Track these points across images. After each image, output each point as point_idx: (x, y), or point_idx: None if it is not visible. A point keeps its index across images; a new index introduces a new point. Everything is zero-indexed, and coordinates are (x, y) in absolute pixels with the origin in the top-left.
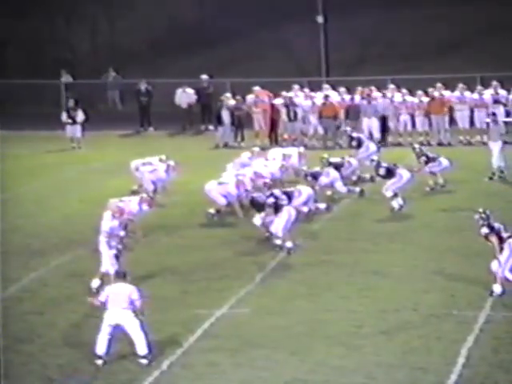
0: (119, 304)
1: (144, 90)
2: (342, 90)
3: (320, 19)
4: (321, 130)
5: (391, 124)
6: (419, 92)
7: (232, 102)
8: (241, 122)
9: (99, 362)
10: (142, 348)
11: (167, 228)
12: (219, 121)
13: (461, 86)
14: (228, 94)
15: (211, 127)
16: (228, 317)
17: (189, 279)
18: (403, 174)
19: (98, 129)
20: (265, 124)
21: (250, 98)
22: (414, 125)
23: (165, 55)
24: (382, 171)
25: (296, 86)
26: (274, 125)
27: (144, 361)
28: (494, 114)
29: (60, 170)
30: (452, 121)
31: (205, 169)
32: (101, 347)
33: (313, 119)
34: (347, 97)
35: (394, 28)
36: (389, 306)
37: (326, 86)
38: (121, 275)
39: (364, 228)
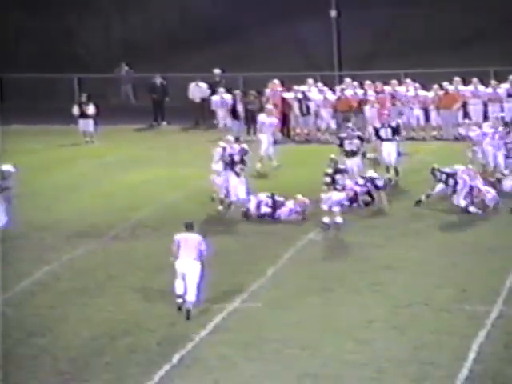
0: (190, 254)
1: (159, 84)
2: (355, 84)
3: (333, 13)
4: (334, 125)
5: (404, 118)
6: (435, 86)
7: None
8: (253, 116)
9: (179, 300)
10: (191, 295)
11: (178, 222)
12: (234, 115)
13: (475, 80)
14: (237, 91)
15: (224, 121)
16: (240, 311)
17: None
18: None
19: (112, 123)
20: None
21: (268, 91)
22: (427, 119)
23: (178, 49)
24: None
25: (310, 81)
26: (285, 119)
27: (180, 300)
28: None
29: (73, 165)
30: (466, 115)
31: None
32: (179, 289)
33: (325, 114)
34: (360, 91)
35: (407, 22)
36: (400, 300)
37: (347, 79)
38: (189, 226)
39: (376, 223)
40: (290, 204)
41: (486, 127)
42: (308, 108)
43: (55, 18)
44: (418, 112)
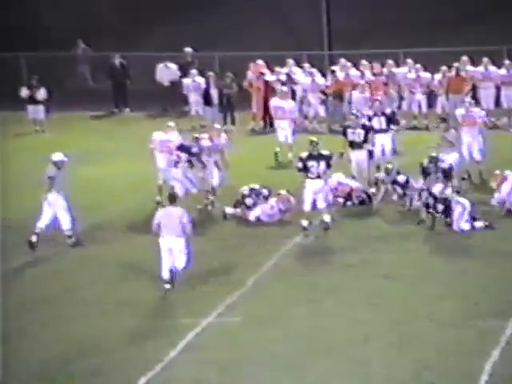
0: (173, 231)
1: (118, 65)
2: (349, 64)
3: None
4: (323, 112)
5: (404, 104)
6: (443, 67)
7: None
8: (230, 102)
9: (167, 286)
10: (180, 262)
11: (146, 223)
12: (207, 101)
13: (485, 59)
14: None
15: (197, 107)
16: (215, 326)
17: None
18: None
19: (66, 109)
20: (258, 105)
21: (250, 73)
22: (430, 105)
23: (143, 24)
24: None
25: (291, 61)
26: (267, 106)
27: (168, 286)
28: None
29: (21, 158)
30: (475, 100)
31: None
32: (166, 272)
33: (313, 99)
34: (355, 72)
35: None
36: (400, 314)
37: (342, 60)
38: (172, 198)
39: (373, 225)
40: (271, 201)
41: None
42: (294, 93)
43: None
44: (420, 97)
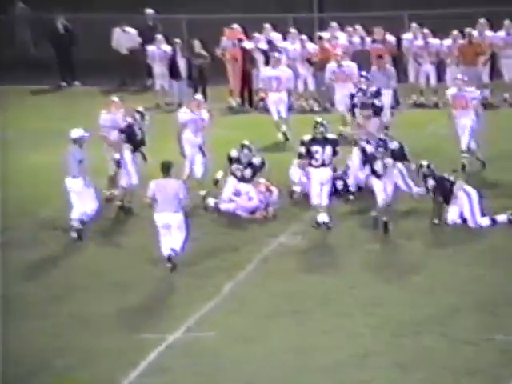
0: (169, 206)
1: (62, 29)
2: (350, 29)
3: None
4: (312, 85)
5: (410, 76)
6: (454, 32)
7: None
8: (202, 74)
9: (169, 265)
10: (176, 244)
11: (102, 220)
12: (173, 73)
13: (507, 22)
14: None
15: (161, 82)
16: (184, 343)
17: (131, 291)
18: None
19: (2, 82)
20: (234, 77)
21: (224, 39)
22: (440, 77)
23: None
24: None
25: (267, 25)
26: (246, 78)
27: (169, 265)
28: None
29: None
30: (494, 71)
31: (156, 139)
32: (166, 249)
33: (301, 70)
34: (356, 39)
35: None
36: (405, 327)
37: (333, 24)
38: (166, 168)
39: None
40: (251, 192)
41: None
42: None
43: None
44: (429, 68)
